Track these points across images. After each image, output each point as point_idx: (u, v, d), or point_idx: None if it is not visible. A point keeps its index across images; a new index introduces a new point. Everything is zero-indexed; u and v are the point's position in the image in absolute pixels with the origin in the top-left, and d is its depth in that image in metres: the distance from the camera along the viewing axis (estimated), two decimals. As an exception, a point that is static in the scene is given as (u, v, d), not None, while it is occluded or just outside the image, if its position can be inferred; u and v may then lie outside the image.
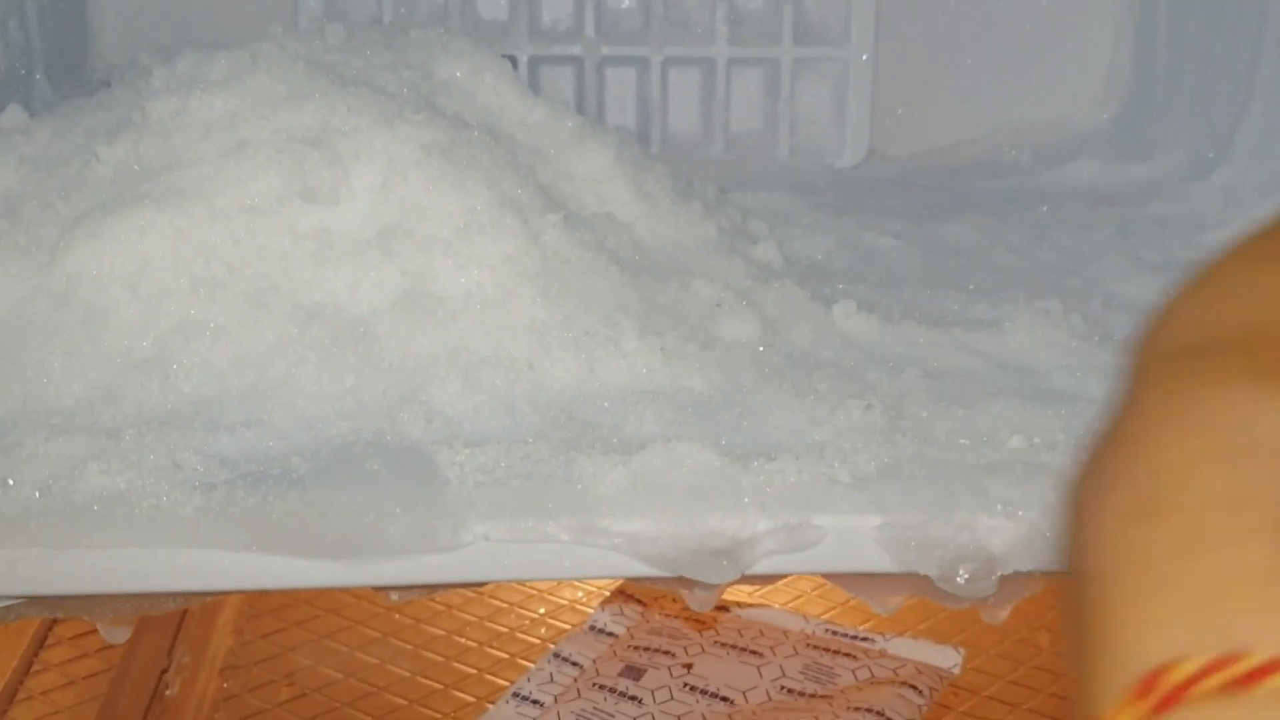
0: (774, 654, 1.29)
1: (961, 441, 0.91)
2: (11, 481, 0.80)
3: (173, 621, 1.31)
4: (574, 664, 1.28)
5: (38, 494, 0.79)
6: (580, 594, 1.41)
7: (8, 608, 0.79)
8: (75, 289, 0.96)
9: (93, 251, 0.96)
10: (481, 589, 1.38)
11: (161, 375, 0.92)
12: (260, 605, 1.34)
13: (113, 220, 0.97)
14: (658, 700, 1.23)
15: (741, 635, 1.32)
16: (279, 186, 0.99)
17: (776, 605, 1.39)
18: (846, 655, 1.29)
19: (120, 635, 0.89)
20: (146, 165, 1.02)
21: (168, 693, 1.25)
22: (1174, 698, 0.32)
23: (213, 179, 0.99)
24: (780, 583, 1.32)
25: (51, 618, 1.24)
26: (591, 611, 1.36)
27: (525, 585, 1.39)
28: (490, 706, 1.24)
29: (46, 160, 1.08)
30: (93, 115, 1.13)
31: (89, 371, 0.93)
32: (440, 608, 1.38)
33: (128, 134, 1.05)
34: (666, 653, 1.29)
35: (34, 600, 0.79)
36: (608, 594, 1.38)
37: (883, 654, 1.30)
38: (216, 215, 0.97)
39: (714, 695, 1.23)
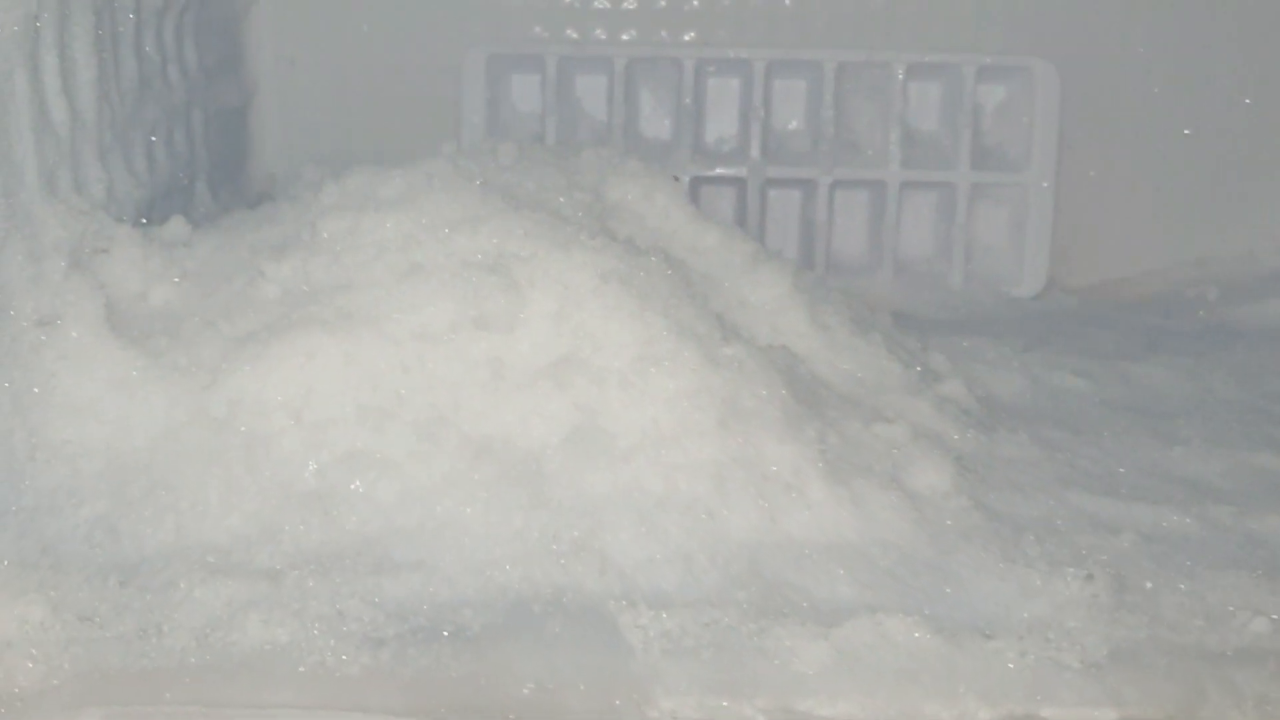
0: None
1: (1197, 622, 0.81)
2: (165, 629, 0.74)
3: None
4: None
5: (195, 643, 0.73)
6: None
7: (155, 767, 0.73)
8: (236, 414, 0.91)
9: (257, 375, 0.91)
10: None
11: (324, 510, 0.87)
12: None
13: (279, 343, 0.92)
14: None
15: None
16: (452, 312, 0.94)
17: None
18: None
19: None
20: (315, 285, 0.98)
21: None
22: None
23: (384, 302, 0.94)
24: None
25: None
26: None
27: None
28: None
29: (209, 275, 1.05)
30: (257, 229, 1.10)
31: (247, 504, 0.87)
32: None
33: (296, 251, 1.01)
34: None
35: (183, 761, 0.73)
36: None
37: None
38: (387, 341, 0.93)
39: None
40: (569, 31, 1.49)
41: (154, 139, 1.19)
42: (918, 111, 1.49)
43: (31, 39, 0.92)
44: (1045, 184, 1.46)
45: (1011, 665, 0.76)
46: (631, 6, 1.49)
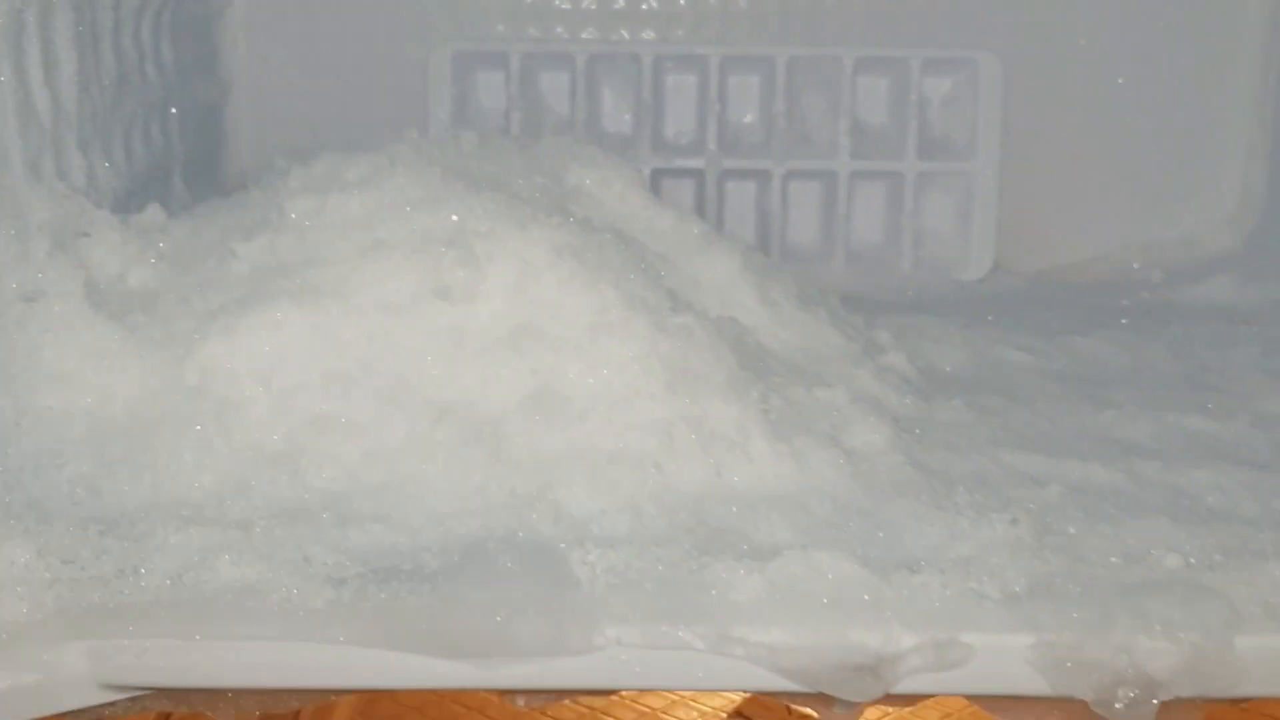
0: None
1: (1113, 559, 0.87)
2: (143, 570, 0.79)
3: (283, 724, 1.29)
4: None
5: (169, 583, 0.78)
6: (695, 715, 1.36)
7: (134, 699, 0.78)
8: (209, 382, 0.96)
9: (228, 345, 0.97)
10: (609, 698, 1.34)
11: (292, 469, 0.92)
12: (373, 713, 1.32)
13: (249, 315, 0.98)
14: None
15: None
16: (414, 285, 0.99)
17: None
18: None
19: (236, 734, 0.87)
20: (283, 262, 1.03)
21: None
22: None
23: (349, 277, 0.99)
24: (924, 703, 1.27)
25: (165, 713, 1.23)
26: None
27: (640, 701, 1.35)
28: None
29: (184, 257, 1.10)
30: (230, 214, 1.15)
31: (220, 464, 0.93)
32: (549, 721, 1.35)
33: (265, 232, 1.07)
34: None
35: (160, 692, 0.78)
36: (724, 717, 1.34)
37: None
38: (352, 312, 0.98)
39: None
40: (530, 30, 1.54)
41: (132, 132, 1.24)
42: (866, 104, 1.55)
43: (16, 31, 0.98)
44: (990, 172, 1.52)
45: (935, 596, 0.81)
46: (591, 6, 1.55)
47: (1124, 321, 1.38)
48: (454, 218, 1.04)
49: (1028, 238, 1.58)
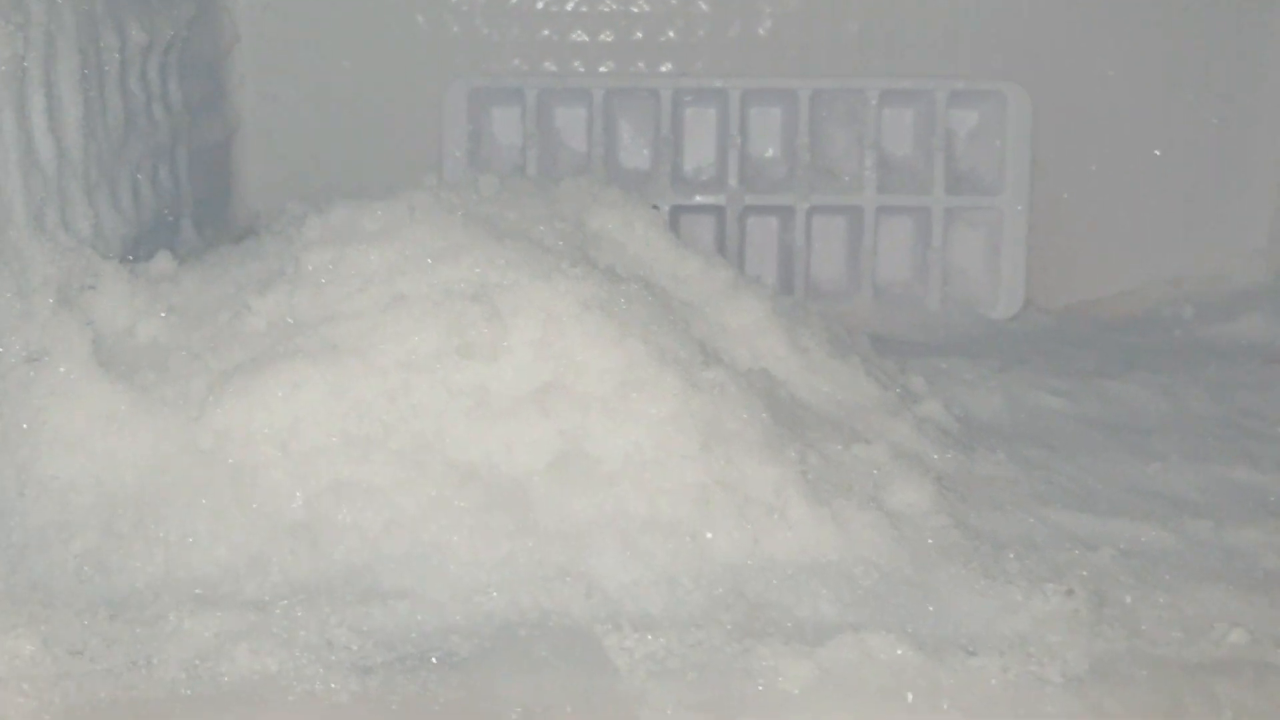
0: None
1: (1176, 634, 0.82)
2: (155, 661, 0.75)
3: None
4: None
5: (184, 675, 0.74)
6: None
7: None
8: (224, 446, 0.92)
9: (243, 407, 0.92)
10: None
11: (311, 540, 0.88)
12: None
13: (265, 375, 0.93)
14: None
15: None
16: (437, 342, 0.95)
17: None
18: None
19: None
20: (301, 317, 0.99)
21: None
22: None
23: (370, 333, 0.95)
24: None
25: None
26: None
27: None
28: None
29: (195, 310, 1.06)
30: (242, 264, 1.11)
31: (235, 535, 0.88)
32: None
33: (281, 285, 1.02)
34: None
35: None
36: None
37: None
38: (373, 370, 0.94)
39: None
40: (547, 64, 1.51)
41: (139, 176, 1.20)
42: (892, 137, 1.51)
43: (19, 78, 0.94)
44: (1019, 207, 1.48)
45: (994, 681, 0.77)
46: (609, 39, 1.51)
47: (1159, 367, 1.33)
48: (476, 270, 1.00)
49: (1055, 273, 1.55)
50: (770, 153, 1.53)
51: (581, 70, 1.51)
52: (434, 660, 0.76)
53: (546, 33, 1.50)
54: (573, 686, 0.74)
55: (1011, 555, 0.92)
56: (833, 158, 1.52)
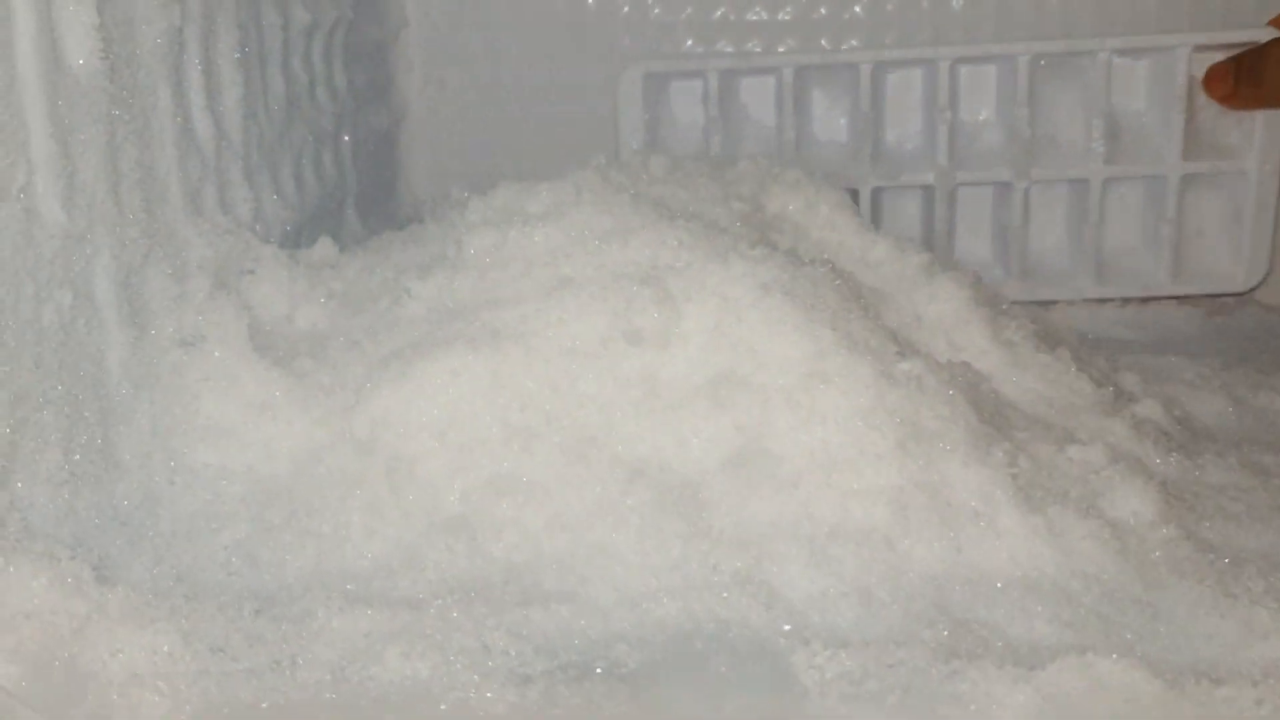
0: None
1: None
2: (300, 662, 0.69)
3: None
4: None
5: (329, 678, 0.68)
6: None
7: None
8: (380, 435, 0.86)
9: (401, 394, 0.87)
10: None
11: (469, 537, 0.81)
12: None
13: (423, 361, 0.87)
14: None
15: None
16: (603, 328, 0.88)
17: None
18: None
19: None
20: (461, 303, 0.93)
21: None
22: None
23: (532, 319, 0.88)
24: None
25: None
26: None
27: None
28: None
29: (355, 295, 1.01)
30: (404, 249, 1.06)
31: (389, 529, 0.82)
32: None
33: (441, 269, 0.97)
34: None
35: (318, 804, 0.67)
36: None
37: None
38: (535, 358, 0.87)
39: None
40: (722, 44, 1.43)
41: (303, 161, 1.16)
42: (1122, 99, 1.37)
43: (176, 53, 0.90)
44: (1269, 168, 1.33)
45: (1248, 715, 0.65)
46: (787, 18, 1.42)
47: None
48: (646, 251, 0.92)
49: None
50: (983, 117, 1.41)
51: (759, 50, 1.43)
52: (599, 671, 0.68)
53: (722, 11, 1.42)
54: (756, 707, 0.65)
55: (1253, 571, 0.80)
56: (1055, 124, 1.38)
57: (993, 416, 0.93)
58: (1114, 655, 0.68)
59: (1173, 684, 0.67)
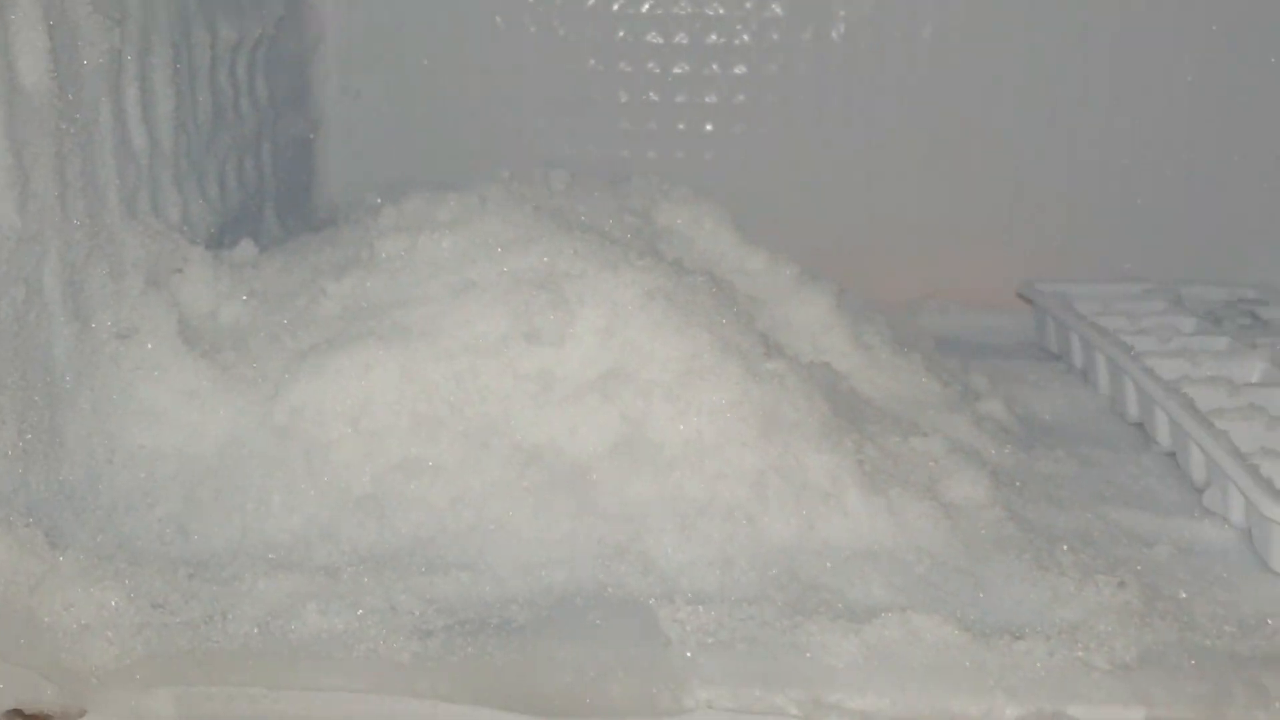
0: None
1: (1228, 628, 0.83)
2: (230, 616, 0.78)
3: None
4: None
5: (256, 631, 0.78)
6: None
7: (219, 747, 0.77)
8: (298, 423, 0.96)
9: (317, 386, 0.96)
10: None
11: (379, 513, 0.91)
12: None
13: (338, 355, 0.97)
14: None
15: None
16: (504, 327, 0.98)
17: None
18: None
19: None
20: (373, 302, 1.03)
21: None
22: None
23: (439, 318, 0.99)
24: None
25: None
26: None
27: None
28: None
29: (275, 294, 1.10)
30: (320, 251, 1.15)
31: (307, 507, 0.92)
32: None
33: (356, 271, 1.06)
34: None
35: (245, 741, 0.77)
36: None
37: None
38: (441, 354, 0.97)
39: None
40: (622, 65, 1.53)
41: (226, 167, 1.25)
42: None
43: (115, 71, 0.98)
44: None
45: (1039, 664, 0.78)
46: (684, 42, 1.53)
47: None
48: (545, 259, 1.03)
49: None
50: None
51: (657, 71, 1.54)
52: (493, 625, 0.79)
53: (622, 34, 1.53)
54: (625, 654, 0.76)
55: (1065, 548, 0.93)
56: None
57: (847, 410, 1.05)
58: (931, 613, 0.80)
59: (978, 637, 0.79)
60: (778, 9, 1.49)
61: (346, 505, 0.92)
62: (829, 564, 0.89)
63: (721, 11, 1.49)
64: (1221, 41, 1.48)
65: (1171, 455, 1.10)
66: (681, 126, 1.56)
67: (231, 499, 0.93)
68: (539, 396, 0.97)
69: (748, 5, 1.49)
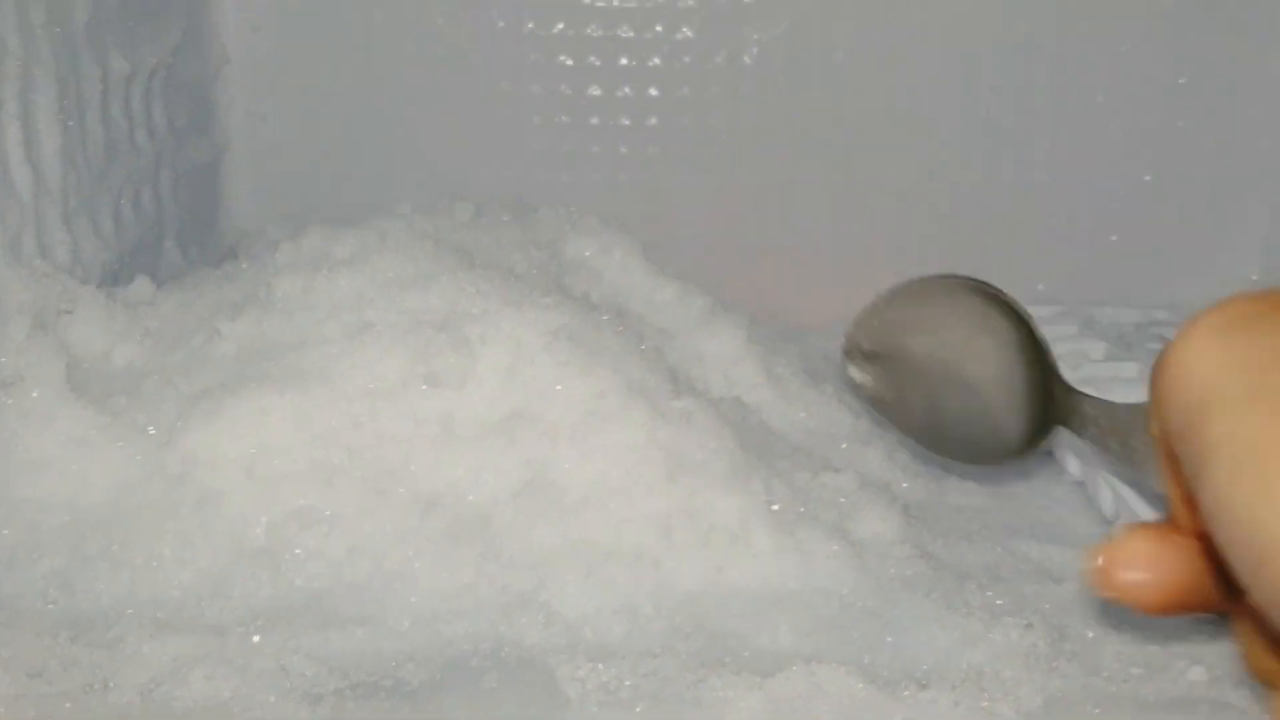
0: None
1: (1135, 670, 0.83)
2: (112, 684, 0.76)
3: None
4: None
5: (139, 699, 0.75)
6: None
7: (98, 823, 0.74)
8: (190, 471, 0.93)
9: (211, 432, 0.93)
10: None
11: (274, 566, 0.88)
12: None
13: (232, 400, 0.94)
14: None
15: None
16: (403, 370, 0.96)
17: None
18: None
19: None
20: (270, 343, 1.00)
21: None
22: None
23: (336, 360, 0.96)
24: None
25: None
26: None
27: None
28: None
29: (170, 334, 1.07)
30: (218, 288, 1.12)
31: (199, 560, 0.89)
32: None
33: (252, 310, 1.03)
34: None
35: (126, 816, 0.74)
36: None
37: None
38: (339, 398, 0.94)
39: None
40: (533, 87, 1.51)
41: (121, 201, 1.21)
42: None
43: (-7, 109, 0.95)
44: None
45: (944, 714, 0.77)
46: (596, 64, 1.52)
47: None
48: (445, 298, 1.00)
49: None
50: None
51: (569, 93, 1.52)
52: (386, 688, 0.76)
53: (534, 56, 1.50)
54: (522, 716, 0.74)
55: (974, 586, 0.92)
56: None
57: (757, 447, 1.03)
58: (836, 664, 0.79)
59: (884, 688, 0.78)
60: (689, 31, 1.48)
61: (240, 558, 0.89)
62: (736, 610, 0.88)
63: (632, 34, 1.47)
64: (1134, 61, 1.49)
65: (1082, 484, 1.10)
66: (596, 149, 1.54)
67: (120, 553, 0.90)
68: (439, 441, 0.94)
69: (658, 28, 1.47)
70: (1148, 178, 1.55)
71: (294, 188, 1.52)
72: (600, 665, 0.78)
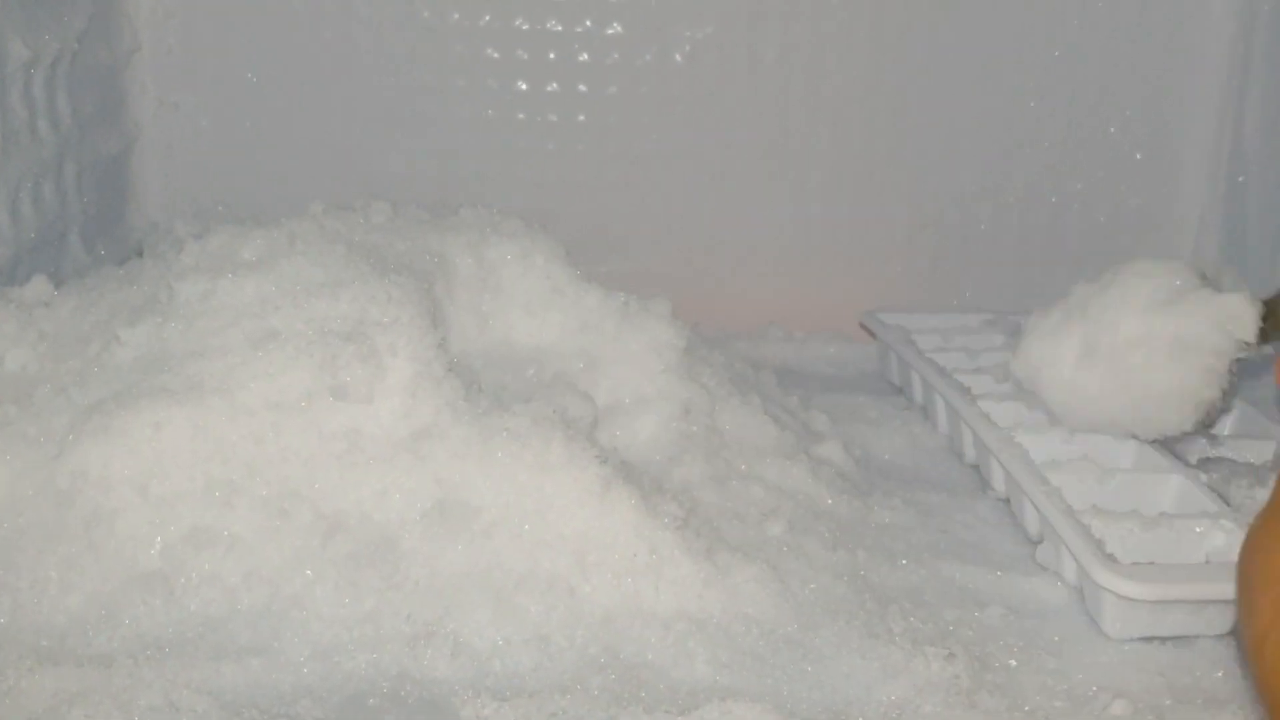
0: None
1: (1058, 704, 0.80)
2: (-17, 725, 0.71)
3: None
4: None
5: (11, 742, 0.70)
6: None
7: None
8: (81, 488, 0.88)
9: (103, 447, 0.88)
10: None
11: (166, 591, 0.84)
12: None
13: (126, 413, 0.89)
14: None
15: None
16: (308, 382, 0.91)
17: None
18: None
19: None
20: (169, 351, 0.95)
21: None
22: None
23: (237, 371, 0.91)
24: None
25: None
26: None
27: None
28: None
29: (67, 338, 1.02)
30: (119, 289, 1.07)
31: (88, 584, 0.84)
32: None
33: (152, 315, 0.98)
34: None
35: None
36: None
37: None
38: (239, 411, 0.90)
39: None
40: (458, 81, 1.47)
41: (20, 195, 1.15)
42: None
43: None
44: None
45: (862, 754, 0.74)
46: (524, 58, 1.47)
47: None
48: (355, 306, 0.96)
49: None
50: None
51: (495, 87, 1.48)
52: (277, 729, 0.73)
53: (459, 49, 1.46)
54: (420, 761, 0.71)
55: (897, 611, 0.90)
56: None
57: (679, 460, 1.00)
58: (749, 700, 0.76)
59: (800, 724, 0.75)
60: (618, 27, 1.44)
61: (131, 582, 0.85)
62: (653, 639, 0.85)
63: (560, 28, 1.43)
64: (1058, 69, 1.48)
65: (1007, 501, 1.08)
66: (523, 144, 1.50)
67: (5, 576, 0.85)
68: (345, 458, 0.90)
69: (587, 23, 1.43)
70: (1072, 185, 1.53)
71: (206, 180, 1.47)
72: (506, 705, 0.75)
